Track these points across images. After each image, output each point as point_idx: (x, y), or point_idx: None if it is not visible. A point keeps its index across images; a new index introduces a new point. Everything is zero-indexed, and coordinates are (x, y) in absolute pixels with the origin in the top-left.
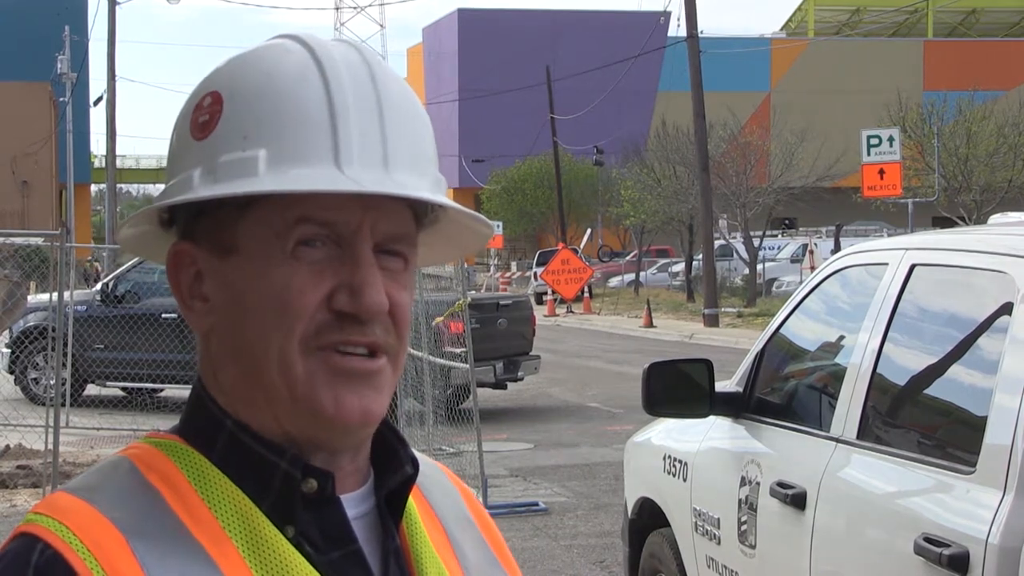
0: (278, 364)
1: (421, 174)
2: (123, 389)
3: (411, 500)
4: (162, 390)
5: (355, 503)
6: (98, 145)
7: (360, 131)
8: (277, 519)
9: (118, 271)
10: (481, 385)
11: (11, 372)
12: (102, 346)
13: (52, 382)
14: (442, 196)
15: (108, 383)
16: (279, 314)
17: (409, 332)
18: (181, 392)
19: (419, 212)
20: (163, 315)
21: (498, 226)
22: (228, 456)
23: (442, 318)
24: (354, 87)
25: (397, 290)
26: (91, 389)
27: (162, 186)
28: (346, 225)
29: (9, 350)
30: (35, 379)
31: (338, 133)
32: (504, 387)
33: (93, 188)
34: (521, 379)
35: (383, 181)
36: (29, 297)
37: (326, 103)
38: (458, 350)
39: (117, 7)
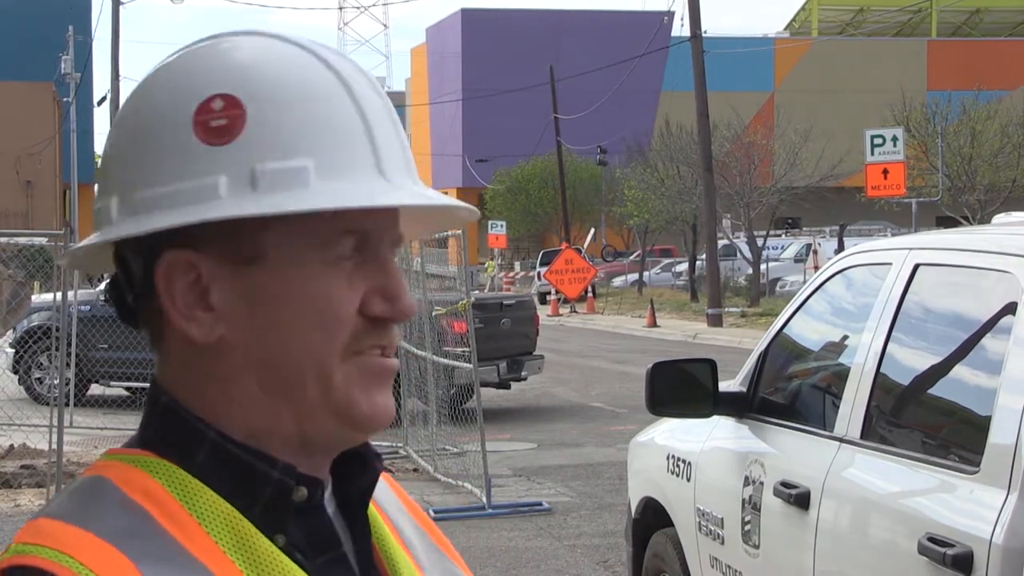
0: (316, 373)
1: (416, 174)
2: (127, 389)
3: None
4: None
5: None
6: (102, 145)
7: (385, 138)
8: (267, 529)
9: None
10: (485, 385)
11: (15, 372)
12: (106, 346)
13: (56, 382)
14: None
15: (112, 383)
16: (322, 324)
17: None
18: None
19: None
20: None
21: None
22: (211, 468)
23: (444, 311)
24: (367, 92)
25: None
26: (95, 389)
27: None
28: (377, 233)
29: (13, 350)
30: (39, 379)
31: (375, 141)
32: (508, 387)
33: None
34: (525, 379)
35: (415, 189)
36: (33, 297)
37: (355, 110)
38: (461, 350)
39: (121, 7)
